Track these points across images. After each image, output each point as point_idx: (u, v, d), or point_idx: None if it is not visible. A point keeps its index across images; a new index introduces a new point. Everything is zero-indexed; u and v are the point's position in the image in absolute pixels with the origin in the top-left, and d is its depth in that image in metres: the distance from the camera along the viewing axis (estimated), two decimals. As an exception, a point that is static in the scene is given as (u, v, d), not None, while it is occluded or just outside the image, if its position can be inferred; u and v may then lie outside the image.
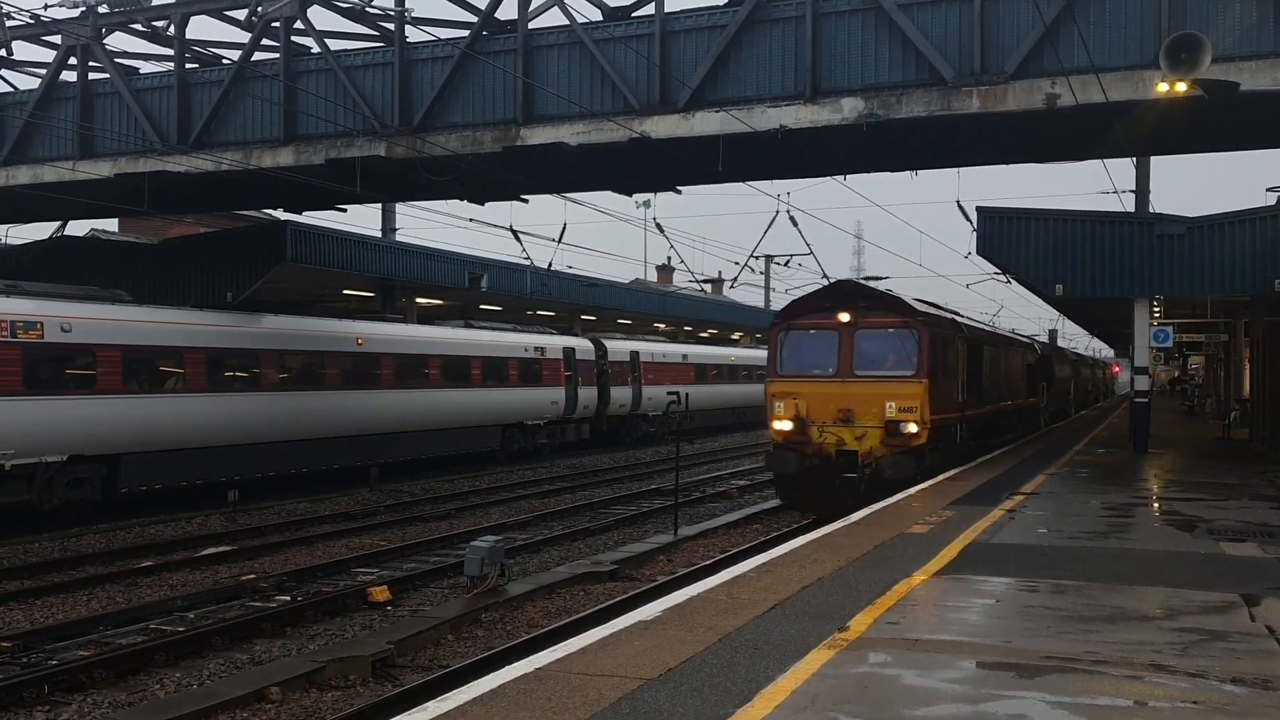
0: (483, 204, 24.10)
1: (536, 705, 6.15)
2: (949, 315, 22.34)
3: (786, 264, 49.75)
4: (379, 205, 35.78)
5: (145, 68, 22.56)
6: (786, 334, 20.36)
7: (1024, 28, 16.39)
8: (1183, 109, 16.17)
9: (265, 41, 20.52)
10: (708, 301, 57.16)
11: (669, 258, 77.77)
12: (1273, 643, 7.66)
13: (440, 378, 30.62)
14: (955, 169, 23.21)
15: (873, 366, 19.59)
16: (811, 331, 20.04)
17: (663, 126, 17.94)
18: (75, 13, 21.36)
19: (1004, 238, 23.82)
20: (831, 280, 23.99)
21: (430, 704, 6.25)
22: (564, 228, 27.48)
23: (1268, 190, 34.62)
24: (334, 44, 20.24)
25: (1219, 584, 9.75)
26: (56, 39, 22.00)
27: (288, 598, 14.40)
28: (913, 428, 19.02)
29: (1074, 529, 13.17)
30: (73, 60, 21.93)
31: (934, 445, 19.84)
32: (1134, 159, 30.78)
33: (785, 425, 19.79)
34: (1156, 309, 28.19)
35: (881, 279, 23.91)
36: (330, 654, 11.29)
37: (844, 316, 19.74)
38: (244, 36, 20.80)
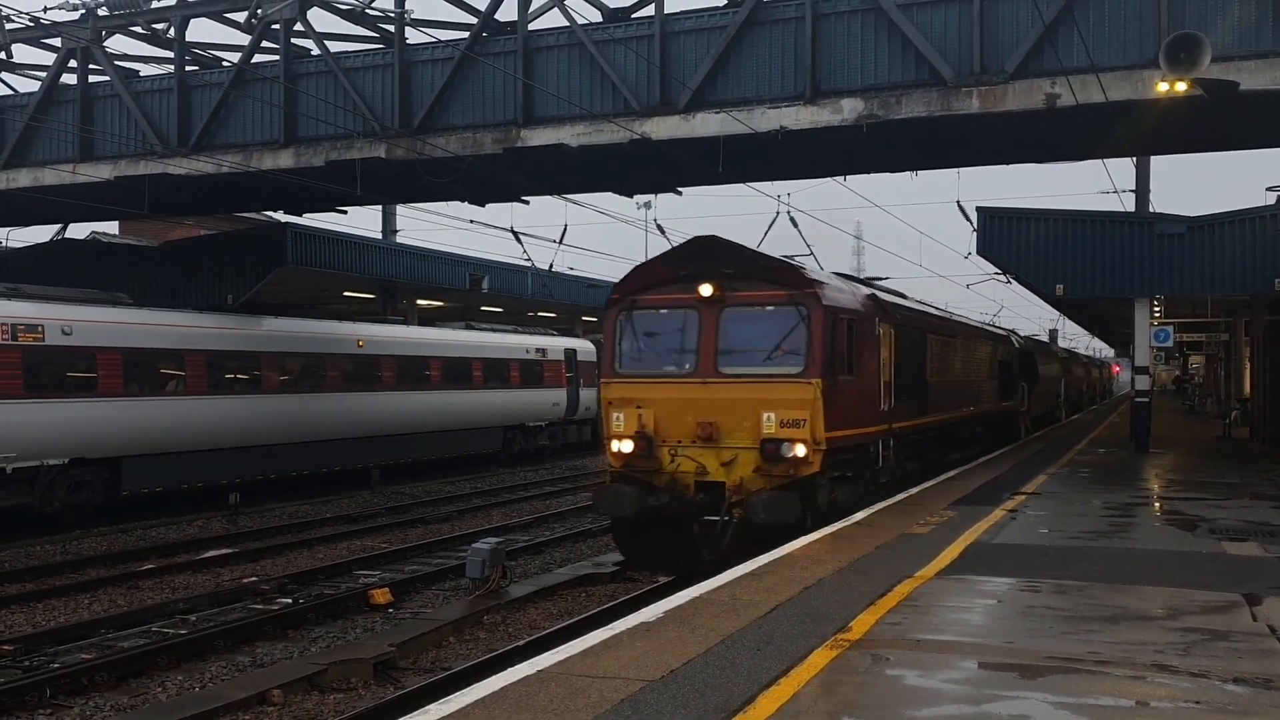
0: (483, 205, 24.12)
1: (539, 707, 6.15)
2: (868, 289, 17.25)
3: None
4: (379, 207, 35.81)
5: (145, 70, 22.60)
6: (627, 315, 14.95)
7: (1023, 28, 16.40)
8: (1183, 109, 16.18)
9: (265, 44, 20.54)
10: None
11: (669, 259, 77.55)
12: (1274, 642, 7.66)
13: (441, 379, 30.63)
14: (955, 169, 23.23)
15: (745, 361, 14.18)
16: (661, 311, 14.70)
17: (663, 128, 17.95)
18: (75, 15, 21.40)
19: (1004, 238, 23.83)
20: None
21: (432, 706, 6.25)
22: (565, 229, 27.44)
23: (1267, 189, 34.59)
24: (334, 46, 20.26)
25: (1221, 583, 9.74)
26: (56, 42, 22.03)
27: (289, 600, 14.40)
28: (799, 450, 13.63)
29: (1076, 529, 13.17)
30: (73, 63, 21.96)
31: (836, 474, 14.57)
32: (1134, 159, 30.80)
33: (625, 446, 14.42)
34: (1157, 308, 28.20)
35: (883, 279, 23.56)
36: (332, 656, 11.29)
37: (705, 289, 14.26)
38: (244, 39, 20.82)
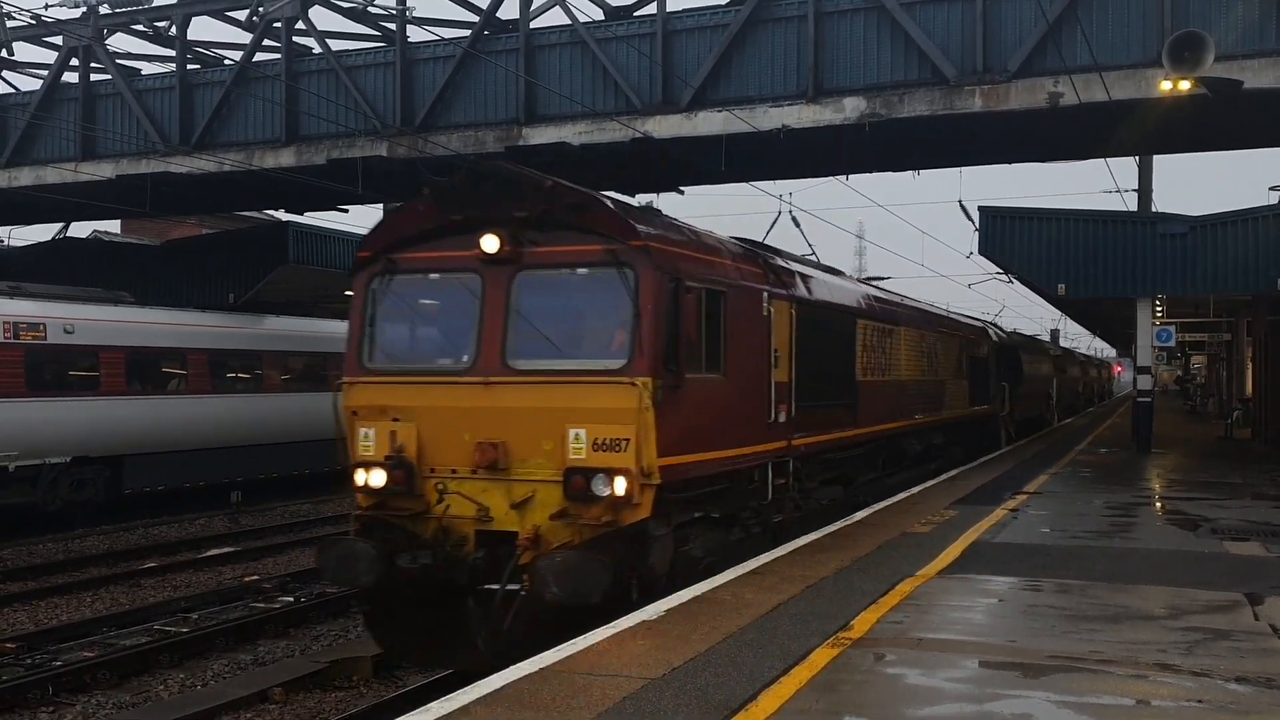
0: (485, 204, 24.08)
1: (541, 705, 6.14)
2: (758, 252, 12.58)
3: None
4: (381, 206, 35.75)
5: (147, 69, 22.61)
6: (383, 283, 10.30)
7: (1026, 26, 16.40)
8: (1187, 108, 16.17)
9: (267, 42, 20.56)
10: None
11: (671, 258, 77.41)
12: (1276, 641, 7.65)
13: (443, 378, 30.56)
14: (958, 168, 23.22)
15: (546, 350, 9.57)
16: (432, 276, 10.20)
17: (665, 126, 17.95)
18: (77, 13, 21.43)
19: (1006, 237, 23.77)
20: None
21: (434, 704, 6.24)
22: (567, 228, 27.25)
23: (1270, 189, 34.59)
24: (335, 44, 20.30)
25: (1223, 583, 9.73)
26: (58, 40, 22.06)
27: (291, 598, 14.41)
28: (618, 485, 9.15)
29: (1077, 528, 13.15)
30: (74, 61, 21.97)
31: (694, 514, 10.32)
32: (1136, 158, 30.77)
33: (375, 478, 9.79)
34: (1159, 308, 28.17)
35: (884, 279, 23.47)
36: (333, 654, 11.31)
37: (489, 243, 9.66)
38: (245, 37, 20.85)
